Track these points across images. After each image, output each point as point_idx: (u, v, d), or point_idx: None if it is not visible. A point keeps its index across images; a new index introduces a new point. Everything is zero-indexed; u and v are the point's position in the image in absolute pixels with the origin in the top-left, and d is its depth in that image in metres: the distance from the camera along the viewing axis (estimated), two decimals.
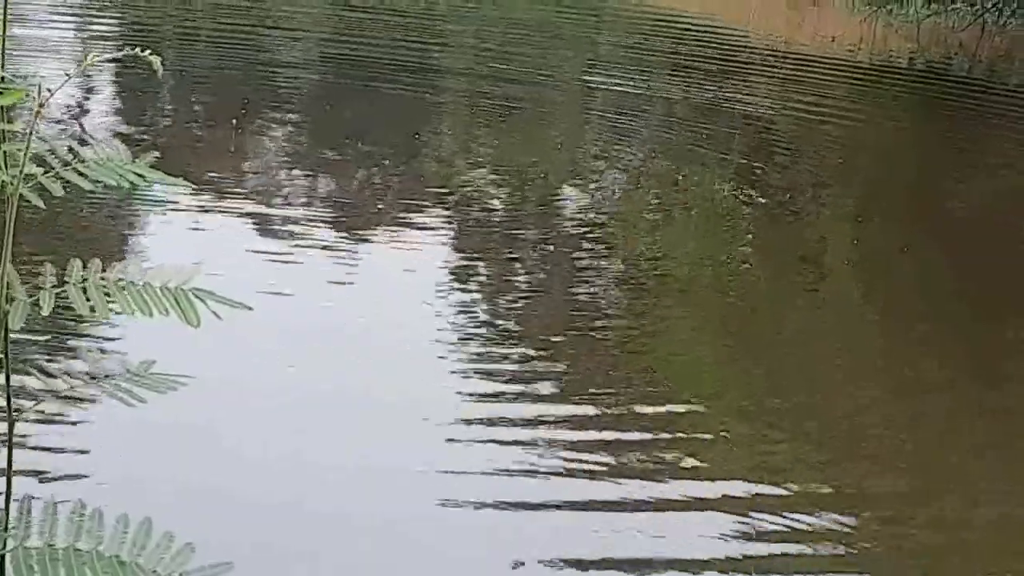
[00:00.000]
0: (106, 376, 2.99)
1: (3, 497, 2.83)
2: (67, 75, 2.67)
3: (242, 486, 5.65)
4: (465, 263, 9.18)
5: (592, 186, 11.74)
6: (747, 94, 16.50)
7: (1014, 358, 8.33)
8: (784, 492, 5.99)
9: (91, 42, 17.03)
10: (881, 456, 6.62)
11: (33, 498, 2.79)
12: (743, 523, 5.62)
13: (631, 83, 16.87)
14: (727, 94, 16.31)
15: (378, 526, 5.46)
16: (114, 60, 2.79)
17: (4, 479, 2.84)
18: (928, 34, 21.41)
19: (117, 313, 2.74)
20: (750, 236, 10.63)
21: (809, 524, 5.71)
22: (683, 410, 6.81)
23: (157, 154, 2.88)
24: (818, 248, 10.76)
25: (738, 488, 5.96)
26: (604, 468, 6.04)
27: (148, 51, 2.73)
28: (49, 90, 2.57)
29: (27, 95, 2.58)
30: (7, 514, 2.76)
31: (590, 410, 6.70)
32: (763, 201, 11.58)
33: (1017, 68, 20.12)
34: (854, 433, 6.86)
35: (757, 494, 5.92)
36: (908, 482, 6.42)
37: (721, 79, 17.24)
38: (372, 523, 5.47)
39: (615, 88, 16.89)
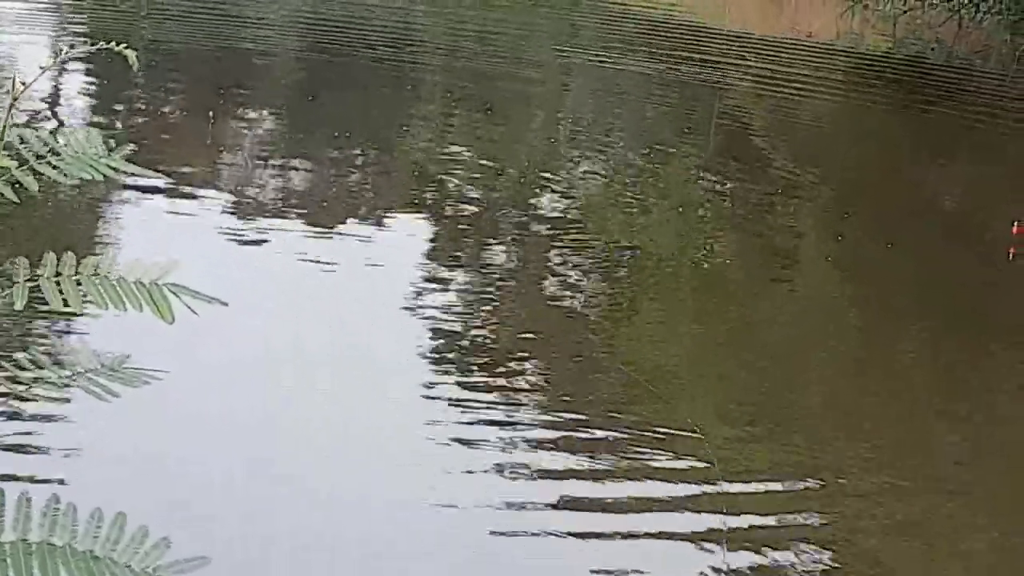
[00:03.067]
0: (80, 371, 2.98)
1: None
2: (41, 68, 2.66)
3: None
4: (442, 258, 9.16)
5: (568, 176, 11.74)
6: (724, 84, 16.52)
7: (1006, 359, 8.35)
8: (761, 490, 6.00)
9: (61, 17, 16.98)
10: (860, 454, 6.63)
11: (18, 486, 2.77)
12: (718, 527, 5.64)
13: (605, 79, 16.89)
14: (704, 84, 16.33)
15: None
16: (89, 53, 2.77)
17: None
18: (905, 29, 21.47)
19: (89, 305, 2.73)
20: (727, 231, 10.63)
21: (789, 521, 5.73)
22: (658, 413, 6.79)
23: (133, 147, 2.87)
24: (798, 241, 10.76)
25: (714, 490, 5.95)
26: (579, 470, 6.05)
27: (124, 44, 2.72)
28: (23, 83, 2.56)
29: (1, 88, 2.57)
30: None
31: (564, 414, 6.66)
32: (740, 194, 11.59)
33: (994, 62, 20.19)
34: (833, 433, 6.85)
35: (732, 494, 5.93)
36: (888, 480, 6.43)
37: (699, 69, 17.25)
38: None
39: (593, 71, 16.91)
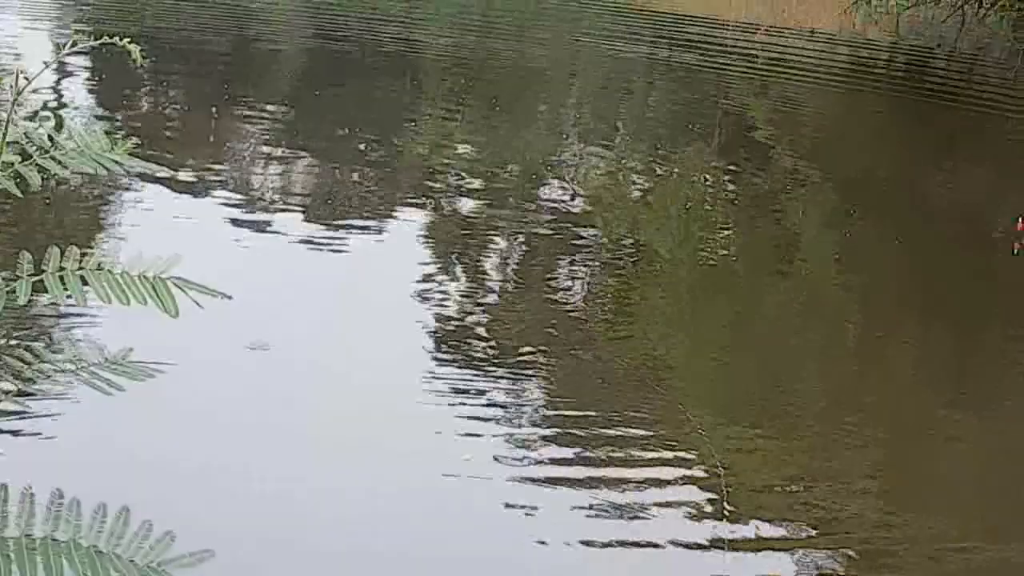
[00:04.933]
0: (84, 364, 2.98)
1: None
2: (45, 63, 2.66)
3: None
4: (446, 252, 9.15)
5: (574, 171, 11.73)
6: (729, 78, 16.52)
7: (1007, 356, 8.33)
8: (760, 494, 5.99)
9: (64, 8, 16.96)
10: (853, 451, 6.61)
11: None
12: (715, 526, 5.63)
13: (611, 71, 16.88)
14: (710, 77, 16.32)
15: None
16: (92, 47, 2.76)
17: None
18: (908, 26, 21.46)
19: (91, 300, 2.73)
20: (733, 228, 10.61)
21: (781, 518, 5.73)
22: (662, 411, 6.75)
23: (136, 141, 2.87)
24: (805, 238, 10.74)
25: (712, 493, 5.94)
26: (579, 468, 6.04)
27: (128, 39, 2.71)
28: (27, 78, 2.55)
29: (4, 84, 2.56)
30: None
31: (566, 412, 6.65)
32: (747, 190, 11.58)
33: (998, 58, 20.18)
34: (838, 435, 6.81)
35: (735, 494, 5.92)
36: (883, 482, 6.41)
37: (704, 61, 17.24)
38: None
39: (599, 62, 16.91)
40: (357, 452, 5.97)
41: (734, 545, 5.43)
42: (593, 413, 6.61)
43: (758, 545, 5.49)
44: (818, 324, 8.53)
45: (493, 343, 7.49)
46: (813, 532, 5.66)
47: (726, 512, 5.65)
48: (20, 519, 2.73)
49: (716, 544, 5.43)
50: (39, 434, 5.70)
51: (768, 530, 5.62)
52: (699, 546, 5.44)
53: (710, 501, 5.76)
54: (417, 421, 6.30)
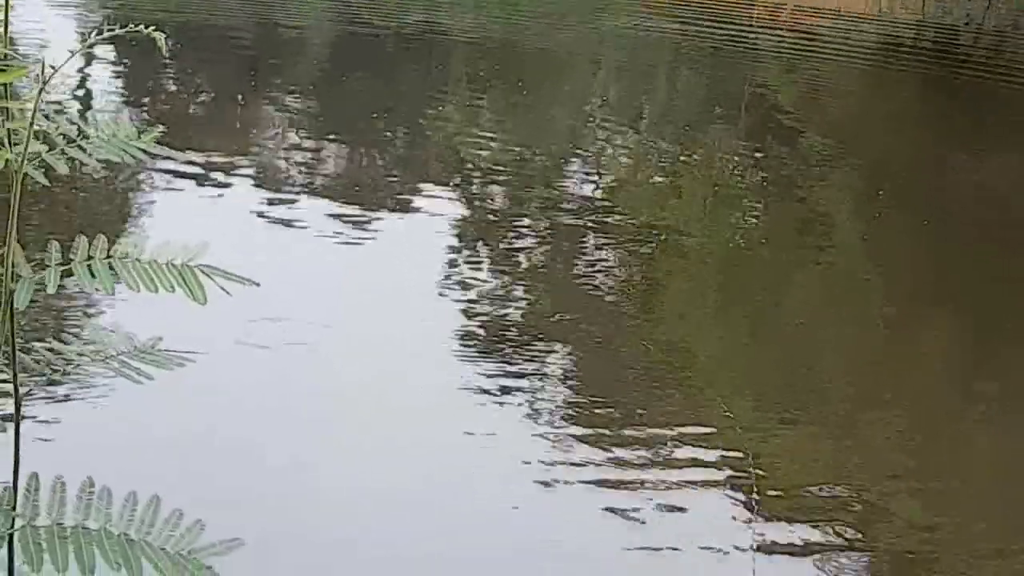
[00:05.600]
0: (114, 353, 2.99)
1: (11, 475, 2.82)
2: (71, 52, 2.65)
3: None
4: (472, 238, 9.14)
5: (600, 154, 11.71)
6: (752, 60, 16.46)
7: None
8: (789, 481, 5.96)
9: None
10: (885, 443, 6.57)
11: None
12: (746, 515, 5.60)
13: (636, 51, 16.83)
14: (736, 56, 16.26)
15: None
16: (117, 37, 2.77)
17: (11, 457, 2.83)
18: (934, 4, 21.33)
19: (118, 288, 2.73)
20: (761, 210, 10.58)
21: (813, 514, 5.70)
22: (688, 397, 6.73)
23: (163, 129, 2.87)
24: (833, 221, 10.69)
25: (741, 479, 5.91)
26: (606, 457, 6.01)
27: (153, 27, 2.71)
28: (52, 67, 2.55)
29: (30, 72, 2.56)
30: (15, 493, 2.75)
31: (590, 398, 6.63)
32: (774, 172, 11.54)
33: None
34: (868, 428, 6.76)
35: (761, 477, 5.89)
36: (909, 469, 6.36)
37: (730, 41, 17.18)
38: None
39: (624, 42, 16.87)
40: (379, 441, 5.96)
41: (764, 546, 5.39)
42: (615, 404, 6.57)
43: (789, 548, 5.44)
44: (847, 310, 8.47)
45: (516, 330, 7.47)
46: (846, 532, 5.60)
47: (756, 509, 5.61)
48: (52, 508, 2.74)
49: (745, 544, 5.39)
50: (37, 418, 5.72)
51: (799, 530, 5.57)
52: (727, 546, 5.39)
53: (741, 497, 5.72)
54: (441, 412, 6.29)
